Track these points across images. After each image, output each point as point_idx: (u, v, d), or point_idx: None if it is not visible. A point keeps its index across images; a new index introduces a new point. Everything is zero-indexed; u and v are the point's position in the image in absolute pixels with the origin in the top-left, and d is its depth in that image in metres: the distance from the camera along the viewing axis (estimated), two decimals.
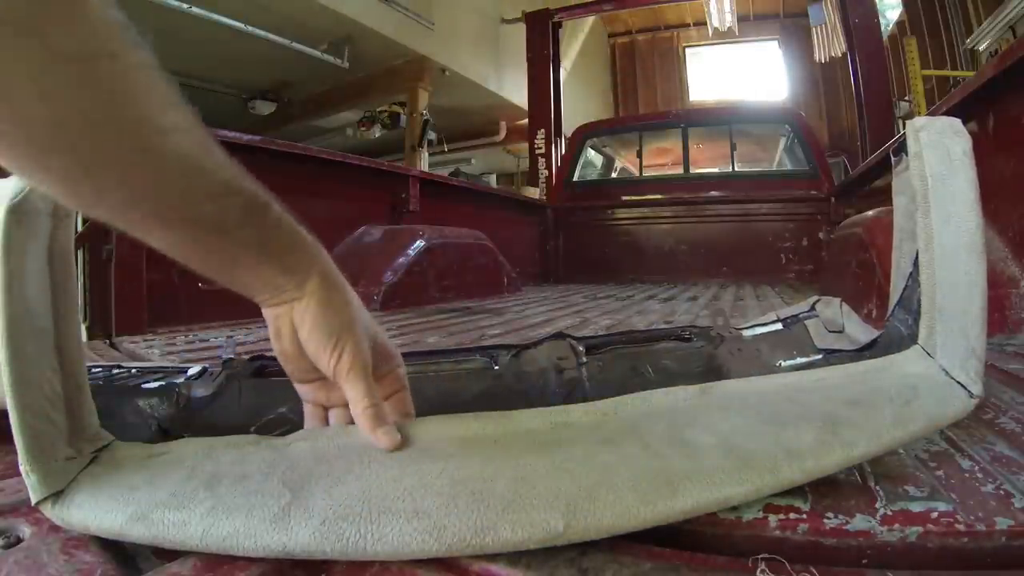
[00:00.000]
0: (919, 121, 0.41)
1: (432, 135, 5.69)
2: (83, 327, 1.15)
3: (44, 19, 0.22)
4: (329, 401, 0.38)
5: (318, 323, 0.34)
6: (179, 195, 0.28)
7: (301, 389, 0.38)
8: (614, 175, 4.06)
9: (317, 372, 0.37)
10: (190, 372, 0.52)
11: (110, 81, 0.24)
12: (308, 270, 0.34)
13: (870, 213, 1.34)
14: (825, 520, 0.30)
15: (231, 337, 1.07)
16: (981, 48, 5.54)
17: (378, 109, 5.90)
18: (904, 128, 0.44)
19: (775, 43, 8.43)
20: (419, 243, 1.80)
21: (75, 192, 0.27)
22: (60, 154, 0.24)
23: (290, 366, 0.37)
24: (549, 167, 3.87)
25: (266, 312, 0.35)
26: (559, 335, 0.58)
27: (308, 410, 0.39)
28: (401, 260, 1.71)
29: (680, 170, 3.38)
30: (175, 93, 0.27)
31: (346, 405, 0.36)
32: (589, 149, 3.69)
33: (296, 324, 0.35)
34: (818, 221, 2.86)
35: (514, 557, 0.28)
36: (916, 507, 0.31)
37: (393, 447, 0.33)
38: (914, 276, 0.43)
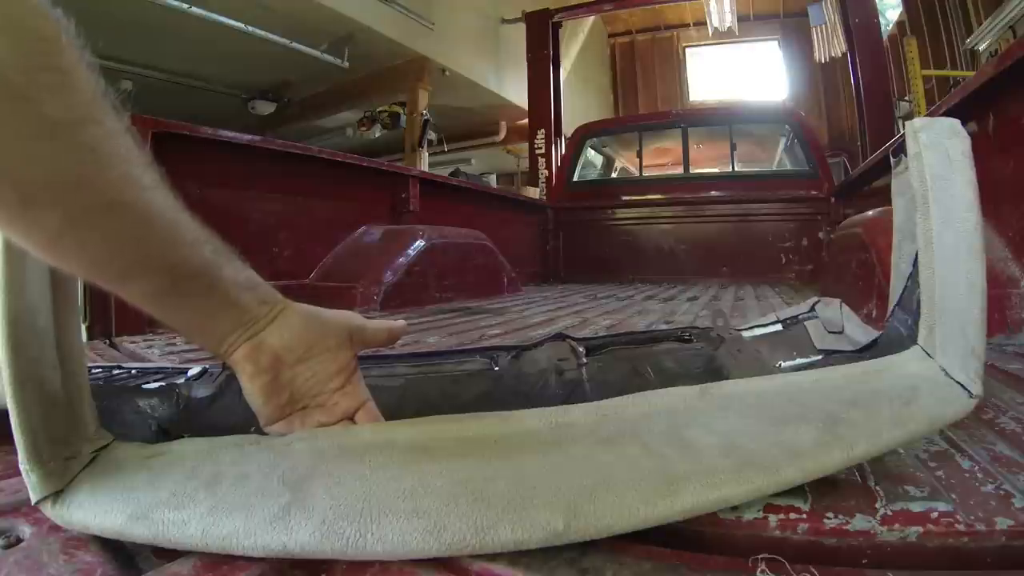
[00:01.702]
0: (918, 122, 0.41)
1: (432, 135, 5.69)
2: (83, 327, 1.15)
3: (38, 87, 0.24)
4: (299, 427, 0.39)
5: (309, 313, 0.38)
6: (161, 243, 0.30)
7: (274, 430, 0.38)
8: (614, 175, 4.06)
9: (291, 406, 0.38)
10: (190, 372, 0.52)
11: (96, 144, 0.26)
12: (273, 294, 0.37)
13: (870, 213, 1.34)
14: (825, 520, 0.30)
15: None
16: (981, 48, 5.54)
17: (378, 109, 5.89)
18: (904, 128, 0.44)
19: (775, 43, 8.43)
20: (419, 243, 1.80)
21: (58, 246, 0.28)
22: (46, 209, 0.26)
23: (269, 402, 0.37)
24: (549, 167, 3.87)
25: (239, 354, 0.36)
26: (559, 336, 0.58)
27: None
28: (401, 260, 1.71)
29: (680, 170, 3.38)
30: (148, 154, 0.30)
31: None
32: (589, 149, 3.69)
33: (280, 341, 0.36)
34: (818, 221, 2.86)
35: (514, 557, 0.28)
36: (916, 507, 0.31)
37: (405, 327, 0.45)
38: (914, 277, 0.43)
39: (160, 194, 0.30)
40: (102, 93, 0.27)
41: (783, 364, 0.60)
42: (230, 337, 0.35)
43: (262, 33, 4.60)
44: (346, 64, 5.21)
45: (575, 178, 3.52)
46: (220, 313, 0.35)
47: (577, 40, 6.56)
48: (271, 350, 0.36)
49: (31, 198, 0.25)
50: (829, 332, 0.63)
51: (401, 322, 0.45)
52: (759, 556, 0.27)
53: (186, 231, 0.32)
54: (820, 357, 0.60)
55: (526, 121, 4.36)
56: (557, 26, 4.20)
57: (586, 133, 3.63)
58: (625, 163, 4.10)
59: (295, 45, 4.88)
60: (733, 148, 3.18)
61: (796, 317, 0.67)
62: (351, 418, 0.39)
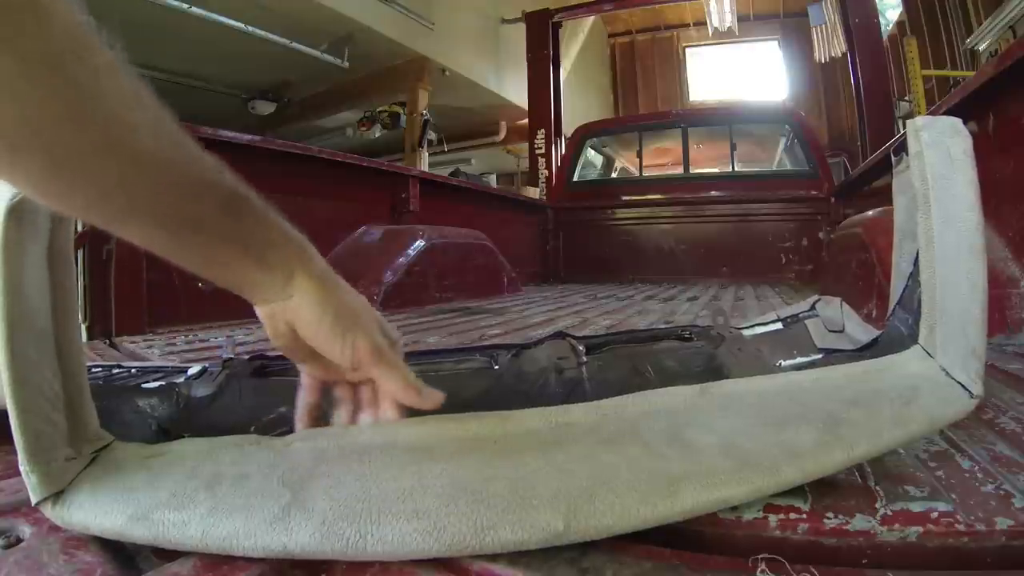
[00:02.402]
0: (920, 121, 0.41)
1: (432, 135, 5.69)
2: (83, 327, 1.15)
3: (12, 25, 0.23)
4: (328, 376, 0.39)
5: (320, 319, 0.35)
6: (149, 191, 0.28)
7: (302, 365, 0.39)
8: (614, 175, 4.06)
9: (311, 355, 0.37)
10: (190, 372, 0.52)
11: (76, 82, 0.25)
12: (293, 266, 0.35)
13: (870, 213, 1.34)
14: (825, 520, 0.30)
15: (231, 337, 1.07)
16: (981, 48, 5.54)
17: (378, 109, 5.89)
18: (904, 128, 0.44)
19: (775, 43, 8.43)
20: (419, 243, 1.80)
21: (46, 189, 0.27)
22: (30, 153, 0.25)
23: (293, 356, 0.38)
24: (549, 167, 3.87)
25: (259, 311, 0.36)
26: (559, 334, 0.58)
27: (306, 382, 0.39)
28: (401, 260, 1.71)
29: (680, 170, 3.38)
30: (145, 92, 0.28)
31: (350, 383, 0.38)
32: (589, 149, 3.69)
33: (293, 322, 0.35)
34: (818, 221, 2.86)
35: (514, 557, 0.28)
36: (916, 507, 0.31)
37: (438, 404, 0.36)
38: (914, 276, 0.43)
39: (152, 134, 0.28)
40: (86, 28, 0.25)
41: (783, 363, 0.60)
42: (245, 293, 0.35)
43: (262, 33, 4.60)
44: (346, 64, 5.21)
45: (575, 178, 3.52)
46: (224, 271, 0.33)
47: (577, 40, 6.56)
48: (286, 321, 0.35)
49: (13, 139, 0.25)
50: (830, 331, 0.63)
51: (435, 395, 0.37)
52: (759, 556, 0.27)
53: (183, 178, 0.29)
54: (820, 356, 0.60)
55: (526, 121, 4.36)
56: (557, 26, 4.20)
57: (586, 133, 3.63)
58: (625, 163, 4.10)
59: (295, 45, 4.88)
60: (733, 148, 3.18)
61: (797, 315, 0.67)
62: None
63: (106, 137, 0.26)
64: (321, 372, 0.39)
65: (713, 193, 3.16)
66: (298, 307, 0.35)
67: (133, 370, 0.57)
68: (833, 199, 2.81)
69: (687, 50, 8.97)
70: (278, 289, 0.34)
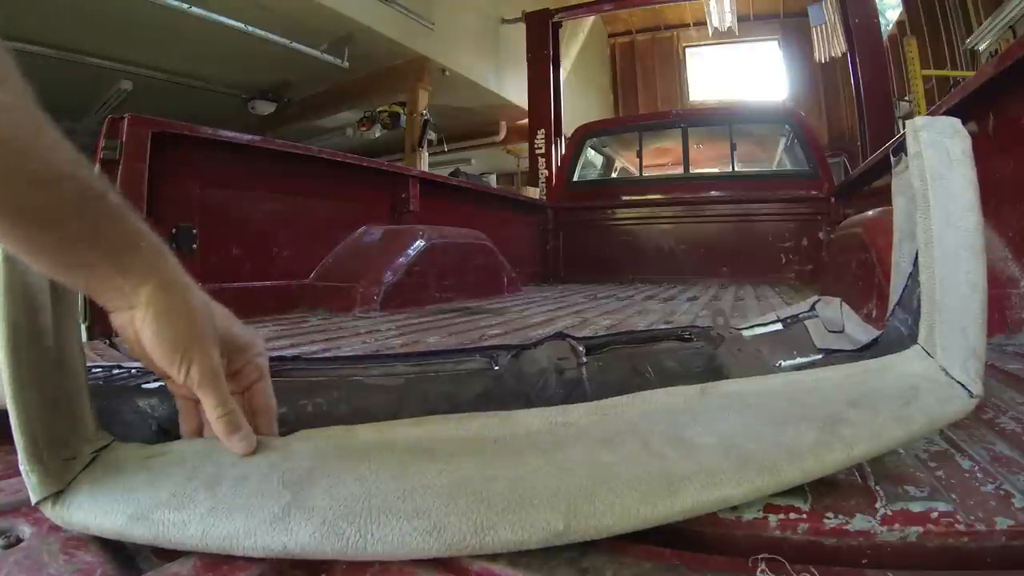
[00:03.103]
0: (919, 121, 0.41)
1: (432, 135, 5.69)
2: (83, 327, 1.15)
3: None
4: (179, 389, 0.37)
5: (160, 334, 0.33)
6: (1, 179, 0.26)
7: (169, 385, 0.37)
8: (614, 175, 4.06)
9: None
10: None
11: None
12: (146, 273, 0.33)
13: (870, 213, 1.34)
14: (825, 520, 0.30)
15: None
16: (981, 48, 5.54)
17: (378, 109, 5.89)
18: (904, 128, 0.44)
19: (775, 43, 8.43)
20: (419, 243, 1.80)
21: None
22: None
23: (149, 367, 0.36)
24: (549, 167, 3.88)
25: (113, 319, 0.34)
26: (559, 335, 0.58)
27: (179, 405, 0.38)
28: (401, 260, 1.71)
29: (680, 170, 3.38)
30: (13, 73, 0.26)
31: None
32: (589, 149, 3.69)
33: (140, 333, 0.33)
34: (818, 221, 2.86)
35: (514, 557, 0.28)
36: (916, 507, 0.31)
37: (248, 452, 0.34)
38: (914, 276, 0.43)
39: (8, 118, 0.26)
40: None
41: (783, 363, 0.60)
42: (102, 299, 0.33)
43: (262, 33, 4.60)
44: (346, 64, 5.21)
45: (575, 178, 3.52)
46: (82, 273, 0.31)
47: (577, 40, 6.56)
48: (135, 331, 0.33)
49: None
50: (829, 331, 0.63)
51: (247, 440, 0.35)
52: (759, 556, 0.27)
53: (37, 167, 0.27)
54: (820, 356, 0.60)
55: (526, 121, 4.36)
56: (557, 26, 4.20)
57: (586, 133, 3.63)
58: (625, 163, 4.10)
59: (295, 45, 4.88)
60: (733, 148, 3.18)
61: (796, 316, 0.67)
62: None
63: None
64: (174, 386, 0.37)
65: (713, 193, 3.16)
66: (143, 319, 0.33)
67: (133, 370, 0.57)
68: (833, 199, 2.81)
69: (687, 50, 8.97)
70: (131, 296, 0.33)
